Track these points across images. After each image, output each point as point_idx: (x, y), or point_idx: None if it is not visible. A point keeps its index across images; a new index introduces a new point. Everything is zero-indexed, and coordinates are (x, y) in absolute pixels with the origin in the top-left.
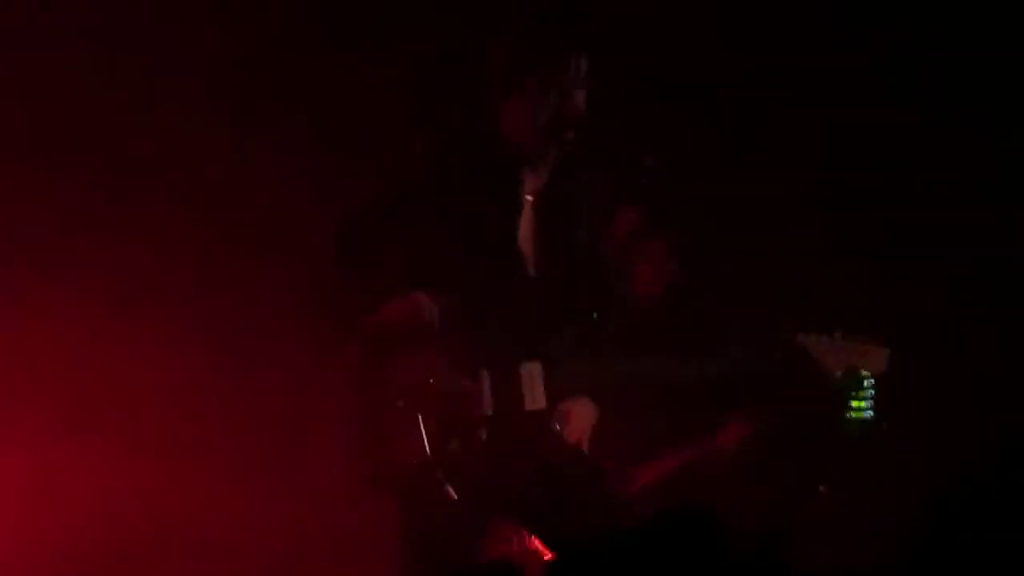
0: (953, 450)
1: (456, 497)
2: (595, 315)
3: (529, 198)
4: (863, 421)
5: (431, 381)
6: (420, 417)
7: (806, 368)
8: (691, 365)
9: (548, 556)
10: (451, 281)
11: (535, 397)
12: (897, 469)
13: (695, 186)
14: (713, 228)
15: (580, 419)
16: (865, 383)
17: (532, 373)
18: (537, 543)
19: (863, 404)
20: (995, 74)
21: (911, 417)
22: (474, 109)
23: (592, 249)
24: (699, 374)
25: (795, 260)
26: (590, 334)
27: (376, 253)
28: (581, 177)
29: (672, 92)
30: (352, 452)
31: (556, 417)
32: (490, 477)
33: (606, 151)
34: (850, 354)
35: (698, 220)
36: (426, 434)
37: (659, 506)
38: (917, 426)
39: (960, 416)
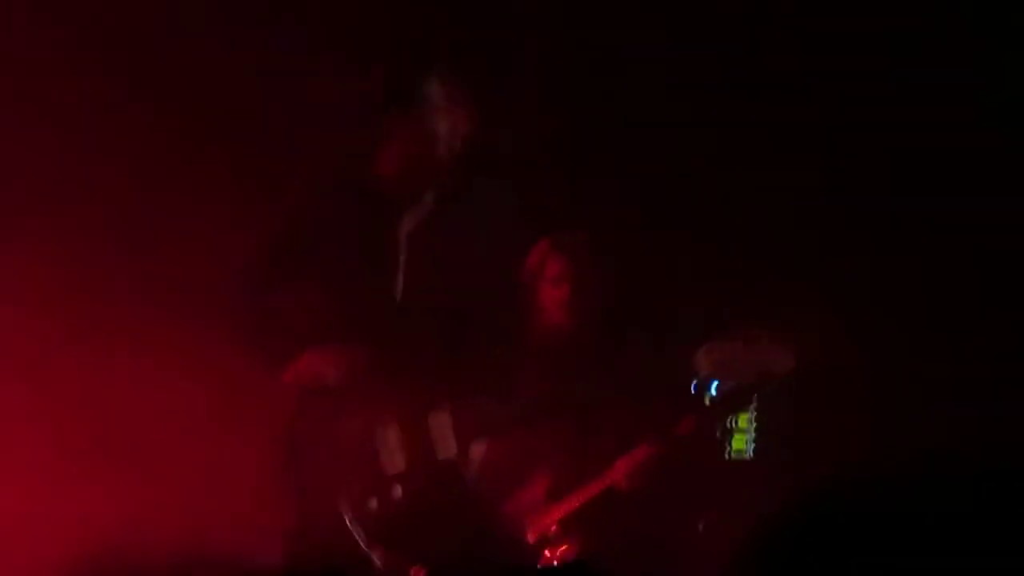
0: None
1: (380, 561)
2: (497, 349)
3: (406, 236)
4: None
5: (345, 442)
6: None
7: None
8: (604, 384)
9: None
10: (348, 331)
11: (447, 445)
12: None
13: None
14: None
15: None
16: (750, 399)
17: (441, 420)
18: None
19: (743, 439)
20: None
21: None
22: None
23: (485, 279)
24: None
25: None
26: (497, 369)
27: (270, 304)
28: (467, 206)
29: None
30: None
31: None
32: (407, 532)
33: (498, 175)
34: (759, 357)
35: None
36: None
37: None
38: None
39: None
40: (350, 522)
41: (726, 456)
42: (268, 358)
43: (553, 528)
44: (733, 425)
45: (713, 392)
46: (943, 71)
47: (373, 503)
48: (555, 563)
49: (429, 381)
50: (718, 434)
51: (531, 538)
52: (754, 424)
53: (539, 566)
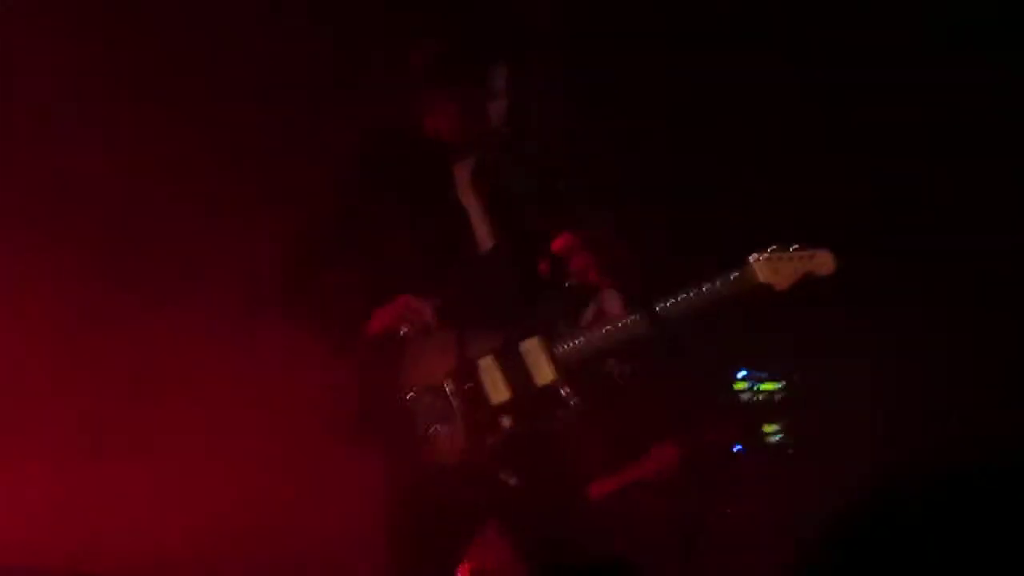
0: (856, 474)
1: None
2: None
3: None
4: (771, 444)
5: (446, 381)
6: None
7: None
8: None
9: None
10: (418, 280)
11: (543, 371)
12: (801, 492)
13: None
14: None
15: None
16: (781, 409)
17: (533, 349)
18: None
19: (773, 428)
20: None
21: (816, 441)
22: (401, 110)
23: (535, 222)
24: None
25: None
26: (566, 304)
27: (321, 276)
28: (508, 160)
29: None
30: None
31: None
32: (520, 457)
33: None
34: (800, 261)
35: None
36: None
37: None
38: (822, 450)
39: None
40: (472, 456)
41: (757, 449)
42: (327, 338)
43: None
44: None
45: (742, 378)
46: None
47: (487, 438)
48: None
49: (513, 316)
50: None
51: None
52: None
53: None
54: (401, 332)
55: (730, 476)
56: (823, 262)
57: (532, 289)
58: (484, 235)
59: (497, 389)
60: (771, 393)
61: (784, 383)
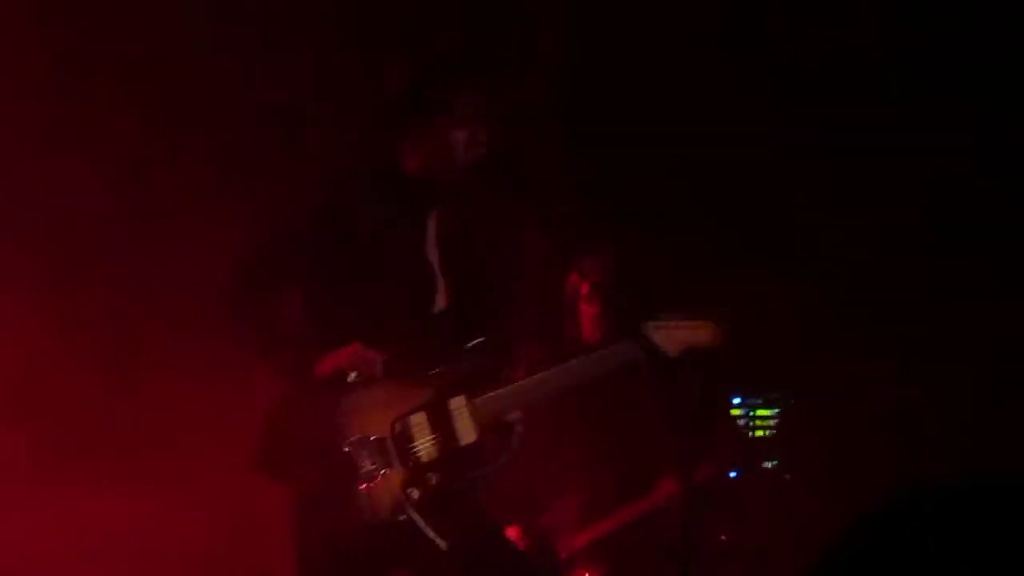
0: (852, 501)
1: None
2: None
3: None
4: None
5: (381, 435)
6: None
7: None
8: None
9: None
10: (364, 318)
11: (467, 430)
12: (797, 519)
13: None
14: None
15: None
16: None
17: (459, 406)
18: None
19: (768, 413)
20: None
21: (812, 468)
22: (379, 139)
23: (492, 276)
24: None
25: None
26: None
27: (273, 297)
28: (482, 206)
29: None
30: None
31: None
32: (445, 516)
33: (514, 183)
34: (686, 331)
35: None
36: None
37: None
38: (818, 477)
39: (859, 465)
40: (407, 511)
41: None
42: (271, 362)
43: (584, 547)
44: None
45: (737, 404)
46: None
47: (415, 492)
48: None
49: (447, 373)
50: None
51: (562, 554)
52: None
53: None
54: (349, 378)
55: (726, 503)
56: (705, 335)
57: (470, 346)
58: (441, 292)
59: (426, 446)
60: (767, 419)
61: (780, 409)
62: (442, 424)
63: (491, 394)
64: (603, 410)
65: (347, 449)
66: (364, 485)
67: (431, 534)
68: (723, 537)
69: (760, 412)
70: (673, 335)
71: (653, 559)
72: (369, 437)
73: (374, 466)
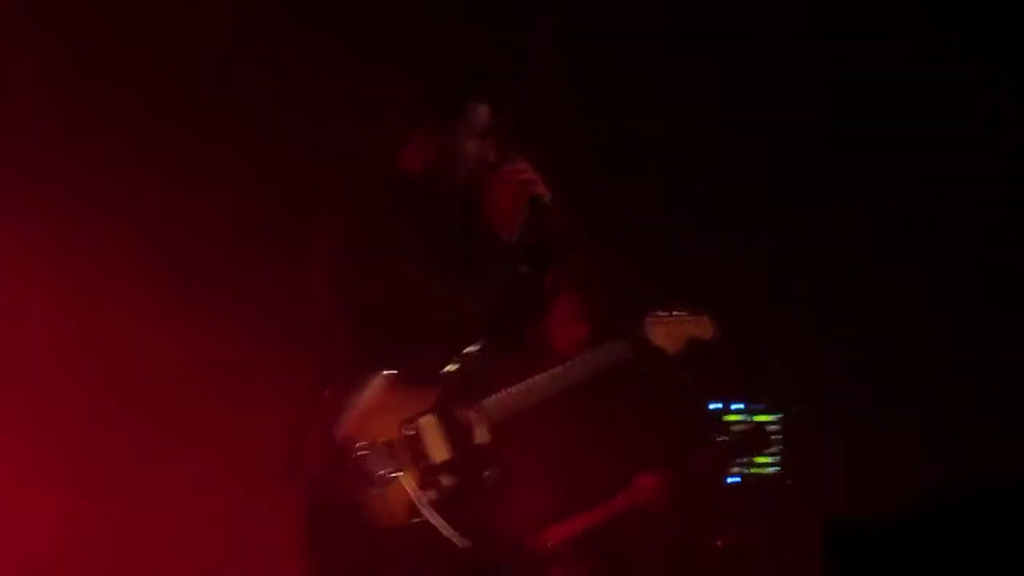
0: (854, 502)
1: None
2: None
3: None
4: (765, 476)
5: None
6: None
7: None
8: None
9: None
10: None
11: (478, 432)
12: (796, 522)
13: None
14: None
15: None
16: (771, 439)
17: (468, 407)
18: None
19: (767, 460)
20: None
21: (811, 471)
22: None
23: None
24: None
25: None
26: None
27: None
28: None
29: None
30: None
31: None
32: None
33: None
34: (687, 325)
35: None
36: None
37: (573, 564)
38: (816, 479)
39: (860, 467)
40: (422, 512)
41: (746, 475)
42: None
43: (561, 544)
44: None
45: (736, 410)
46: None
47: (429, 494)
48: None
49: (453, 375)
50: (739, 455)
51: (539, 551)
52: (777, 444)
53: None
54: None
55: (722, 508)
56: (705, 327)
57: (473, 348)
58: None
59: (438, 447)
60: (766, 424)
61: (781, 415)
62: (452, 425)
63: (499, 394)
64: (586, 406)
65: (358, 454)
66: (377, 490)
67: (449, 533)
68: (719, 543)
69: (759, 418)
70: (674, 329)
71: (640, 560)
72: (379, 441)
73: (386, 470)
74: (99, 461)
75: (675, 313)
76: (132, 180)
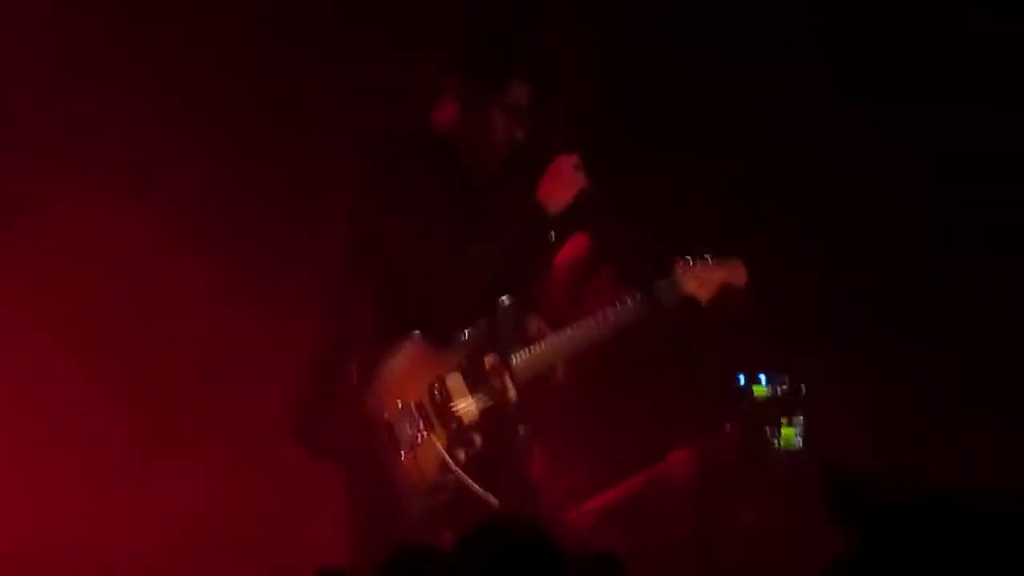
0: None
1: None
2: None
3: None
4: (790, 450)
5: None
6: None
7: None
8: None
9: None
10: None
11: (507, 390)
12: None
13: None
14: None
15: None
16: (796, 412)
17: (494, 366)
18: None
19: (792, 432)
20: None
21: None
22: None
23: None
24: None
25: None
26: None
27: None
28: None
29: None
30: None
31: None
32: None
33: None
34: (718, 271)
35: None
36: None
37: (604, 537)
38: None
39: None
40: (454, 470)
41: (774, 450)
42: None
43: (589, 518)
44: (782, 420)
45: (763, 383)
46: None
47: (460, 454)
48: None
49: (478, 334)
50: (766, 430)
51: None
52: (802, 419)
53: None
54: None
55: (746, 481)
56: (738, 272)
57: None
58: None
59: (467, 407)
60: (790, 396)
61: (803, 386)
62: (480, 384)
63: (526, 351)
64: (616, 377)
65: (387, 416)
66: (409, 452)
67: (480, 492)
68: (742, 516)
69: (782, 390)
70: (706, 276)
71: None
72: (409, 403)
73: (415, 431)
74: (111, 448)
75: (707, 258)
76: (160, 163)
